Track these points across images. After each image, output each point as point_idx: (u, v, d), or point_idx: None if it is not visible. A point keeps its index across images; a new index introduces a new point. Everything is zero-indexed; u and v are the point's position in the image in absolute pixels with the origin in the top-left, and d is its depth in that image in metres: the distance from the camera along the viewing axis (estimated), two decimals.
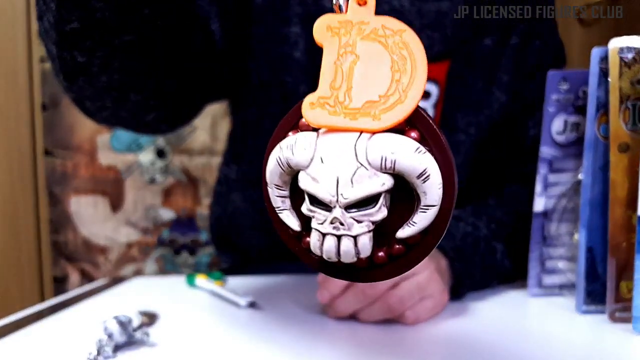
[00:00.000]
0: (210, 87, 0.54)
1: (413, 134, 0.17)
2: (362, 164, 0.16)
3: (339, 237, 0.17)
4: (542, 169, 0.42)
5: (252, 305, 0.42)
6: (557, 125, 0.41)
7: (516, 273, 0.47)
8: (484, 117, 0.52)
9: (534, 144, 0.50)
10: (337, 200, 0.16)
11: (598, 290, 0.38)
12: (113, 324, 0.32)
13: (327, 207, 0.17)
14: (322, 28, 0.18)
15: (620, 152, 0.35)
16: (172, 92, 0.47)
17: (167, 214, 0.99)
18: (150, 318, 0.38)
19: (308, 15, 0.51)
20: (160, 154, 0.98)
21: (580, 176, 0.41)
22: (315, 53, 0.51)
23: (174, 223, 0.99)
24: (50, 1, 0.36)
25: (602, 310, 0.38)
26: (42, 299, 0.98)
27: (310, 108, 0.18)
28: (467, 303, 0.43)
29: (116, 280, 0.55)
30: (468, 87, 0.51)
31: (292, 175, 0.18)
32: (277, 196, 0.18)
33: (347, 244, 0.17)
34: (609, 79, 0.35)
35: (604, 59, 0.36)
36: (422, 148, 0.17)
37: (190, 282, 0.50)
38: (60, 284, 0.99)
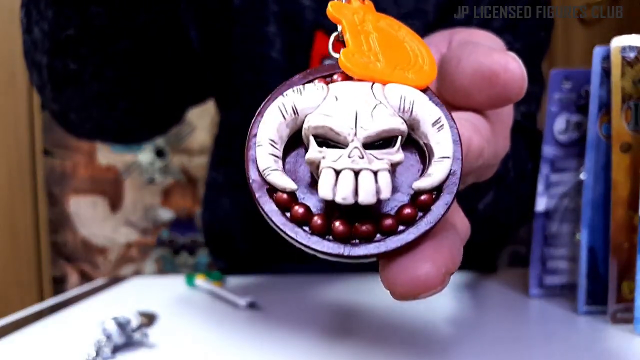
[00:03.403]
0: (193, 90, 0.54)
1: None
2: (381, 102, 0.16)
3: (356, 174, 0.14)
4: (544, 169, 0.42)
5: (252, 305, 0.42)
6: (559, 125, 0.41)
7: (514, 204, 0.44)
8: None
9: None
10: (356, 134, 0.15)
11: (599, 291, 0.38)
12: (111, 325, 0.31)
13: (339, 148, 0.15)
14: (337, 7, 0.19)
15: (622, 152, 0.35)
16: (158, 95, 0.47)
17: (166, 214, 0.99)
18: (149, 319, 0.38)
19: (284, 14, 0.50)
20: (160, 154, 0.98)
21: (582, 176, 0.41)
22: (291, 53, 0.50)
23: (173, 223, 0.99)
24: (47, 9, 0.36)
25: (604, 311, 0.38)
26: (41, 299, 0.98)
27: (351, 56, 0.17)
28: (466, 302, 0.42)
29: (115, 280, 0.55)
30: None
31: (292, 128, 0.17)
32: (270, 154, 0.16)
33: (367, 177, 0.14)
34: (611, 79, 0.35)
35: (606, 58, 0.36)
36: (435, 99, 0.17)
37: (190, 282, 0.49)
38: (59, 284, 0.99)
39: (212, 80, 0.54)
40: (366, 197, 0.14)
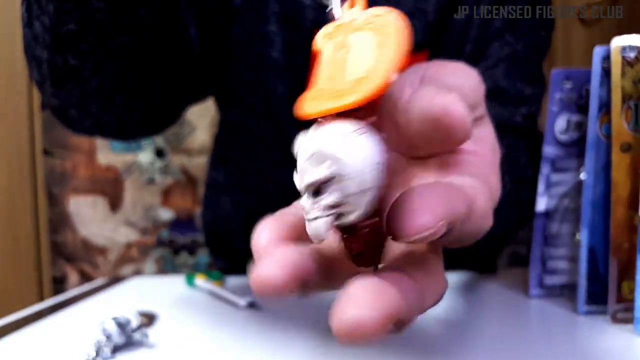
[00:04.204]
0: (192, 88, 0.54)
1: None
2: (314, 152, 0.16)
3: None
4: (545, 169, 0.42)
5: (251, 305, 0.42)
6: (560, 125, 0.41)
7: (510, 212, 0.45)
8: None
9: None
10: (301, 188, 0.17)
11: (599, 291, 0.38)
12: (111, 325, 0.31)
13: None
14: (320, 38, 0.19)
15: (622, 152, 0.35)
16: (157, 92, 0.47)
17: (166, 214, 0.99)
18: (149, 319, 0.38)
19: (285, 13, 0.50)
20: (160, 153, 0.98)
21: (582, 176, 0.41)
22: (292, 52, 0.50)
23: (173, 223, 0.99)
24: (48, 4, 0.36)
25: (604, 311, 0.38)
26: (41, 299, 0.98)
27: (309, 101, 0.17)
28: (466, 302, 0.42)
29: (115, 280, 0.55)
30: None
31: None
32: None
33: (309, 227, 0.16)
34: (611, 79, 0.35)
35: (606, 58, 0.36)
36: (359, 130, 0.16)
37: (190, 282, 0.49)
38: (59, 285, 0.99)
39: (212, 79, 0.54)
40: (313, 239, 0.16)
